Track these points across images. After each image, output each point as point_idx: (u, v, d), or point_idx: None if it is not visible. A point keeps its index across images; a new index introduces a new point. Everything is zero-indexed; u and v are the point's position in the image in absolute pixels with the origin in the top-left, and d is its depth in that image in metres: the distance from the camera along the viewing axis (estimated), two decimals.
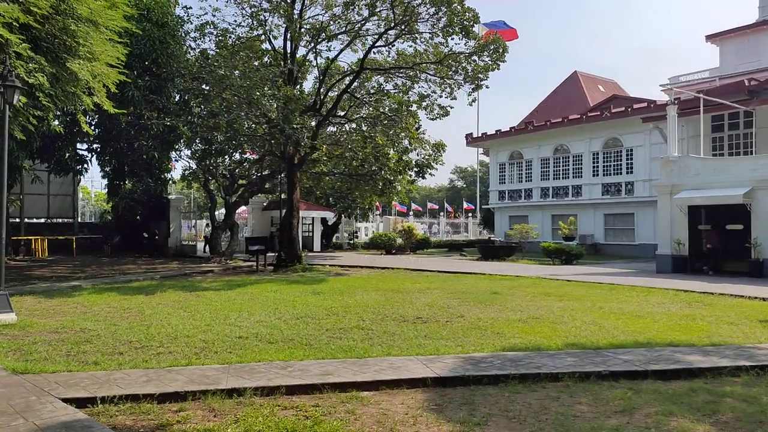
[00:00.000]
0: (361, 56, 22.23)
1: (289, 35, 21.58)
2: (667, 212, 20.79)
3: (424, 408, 5.36)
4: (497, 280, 17.19)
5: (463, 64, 21.03)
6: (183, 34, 23.38)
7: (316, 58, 23.66)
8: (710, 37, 35.02)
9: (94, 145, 24.73)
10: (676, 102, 22.01)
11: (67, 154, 23.49)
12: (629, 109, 30.20)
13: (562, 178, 34.46)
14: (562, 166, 34.55)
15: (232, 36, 22.12)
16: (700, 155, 22.41)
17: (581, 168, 33.37)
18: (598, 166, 32.56)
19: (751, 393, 5.79)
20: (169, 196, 29.72)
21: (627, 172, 31.16)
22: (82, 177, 28.68)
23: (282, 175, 24.96)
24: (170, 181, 28.89)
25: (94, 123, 22.51)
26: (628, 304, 11.99)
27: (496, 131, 37.85)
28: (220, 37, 22.02)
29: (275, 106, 20.49)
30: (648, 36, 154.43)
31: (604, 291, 14.34)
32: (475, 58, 20.87)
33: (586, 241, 31.16)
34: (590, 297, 13.02)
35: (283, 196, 24.06)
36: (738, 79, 27.20)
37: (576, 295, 13.44)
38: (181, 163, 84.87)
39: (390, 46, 22.19)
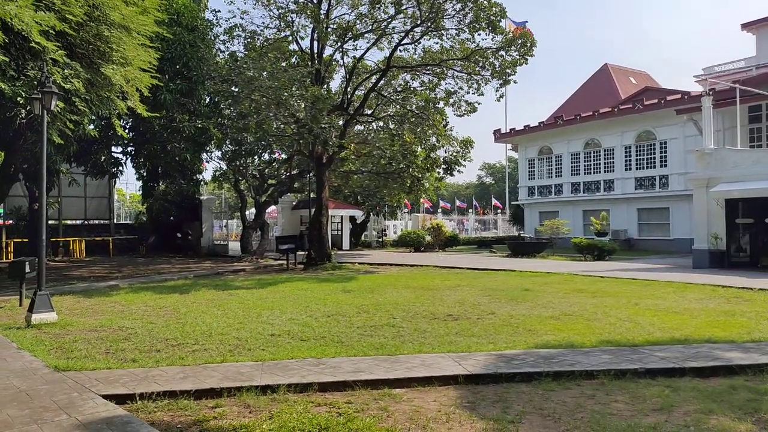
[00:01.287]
0: (388, 54, 22.24)
1: (316, 35, 21.72)
2: (704, 206, 20.24)
3: (456, 405, 5.34)
4: (528, 276, 17.01)
5: (491, 60, 20.85)
6: (212, 38, 23.76)
7: (342, 58, 23.79)
8: (746, 26, 33.90)
9: (129, 148, 25.34)
10: (711, 93, 21.41)
11: (103, 158, 24.11)
12: (662, 101, 29.48)
13: (594, 172, 33.87)
14: (593, 160, 33.95)
15: (260, 38, 22.38)
16: (737, 147, 21.76)
17: (613, 162, 32.74)
18: (630, 160, 31.89)
19: None
20: (201, 197, 30.24)
21: (661, 166, 30.44)
22: (117, 179, 29.52)
23: (311, 174, 25.14)
24: (202, 182, 29.41)
25: (128, 126, 23.08)
26: (664, 300, 11.73)
27: (525, 126, 37.43)
28: (249, 39, 22.30)
29: (303, 106, 20.65)
30: (681, 26, 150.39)
31: (638, 287, 14.05)
32: (502, 53, 20.66)
33: (619, 236, 30.56)
34: (625, 293, 12.78)
35: (312, 195, 24.25)
36: None
37: (610, 291, 13.21)
38: (212, 164, 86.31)
39: (416, 43, 22.13)
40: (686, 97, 28.19)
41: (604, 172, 33.21)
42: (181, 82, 21.93)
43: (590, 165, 34.10)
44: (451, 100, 22.89)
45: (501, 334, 8.31)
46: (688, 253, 21.59)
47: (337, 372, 6.19)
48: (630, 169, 31.86)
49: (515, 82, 21.53)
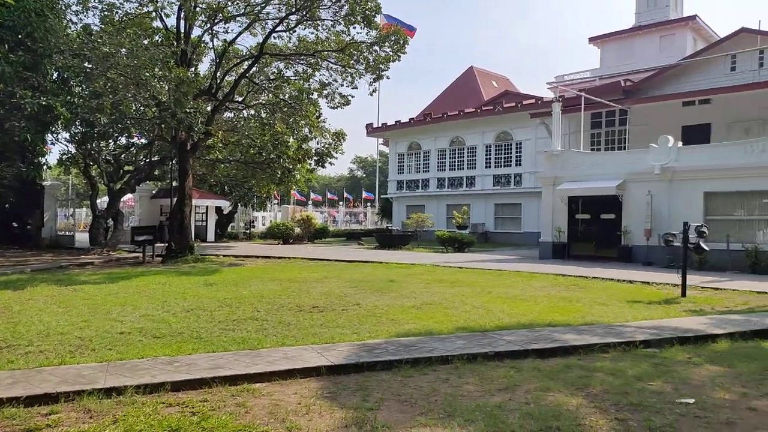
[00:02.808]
0: (261, 40, 21.57)
1: (182, 14, 20.41)
2: (550, 202, 22.25)
3: (317, 396, 5.33)
4: (393, 268, 17.52)
5: (365, 54, 21.06)
6: (63, 7, 21.38)
7: (212, 40, 22.66)
8: (593, 39, 37.69)
9: None
10: (560, 99, 23.53)
11: None
12: (519, 105, 31.91)
13: (458, 169, 35.76)
14: (458, 157, 35.85)
15: (119, 11, 20.53)
16: (580, 150, 24.15)
17: (475, 160, 34.83)
18: (490, 158, 34.13)
19: (618, 367, 6.34)
20: (44, 183, 27.23)
21: (516, 165, 32.95)
22: None
23: (173, 161, 23.68)
24: (45, 166, 26.46)
25: None
26: (513, 288, 12.71)
27: (396, 122, 38.46)
28: (106, 12, 20.35)
29: (166, 88, 19.37)
30: (540, 35, 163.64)
31: (492, 277, 15.09)
32: (376, 48, 20.97)
33: (477, 229, 32.62)
34: (480, 283, 13.65)
35: (174, 183, 22.86)
36: (615, 80, 29.60)
37: (467, 281, 14.03)
38: (58, 147, 77.97)
39: (291, 31, 21.73)
40: (540, 102, 30.75)
41: (467, 168, 35.21)
42: (24, 54, 19.52)
43: (455, 162, 35.96)
44: (325, 92, 22.81)
45: (365, 324, 8.46)
46: (536, 245, 23.63)
47: (192, 369, 5.89)
48: (489, 166, 34.10)
49: (388, 77, 22.00)
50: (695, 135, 24.57)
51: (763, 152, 17.78)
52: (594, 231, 21.52)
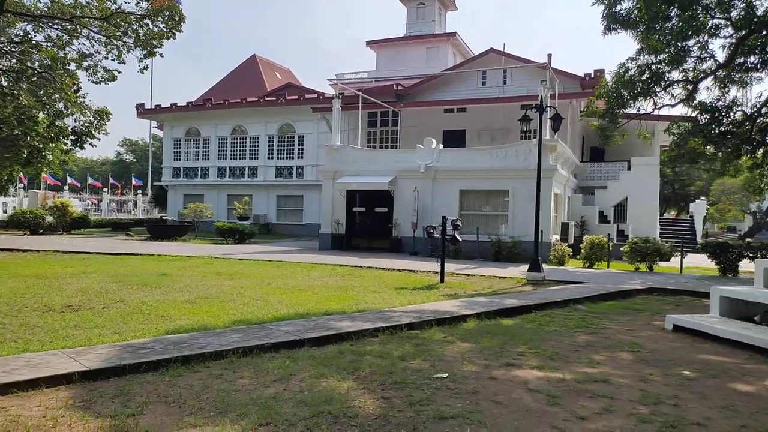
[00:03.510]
0: None
1: None
2: (330, 195, 23.05)
3: (67, 407, 4.69)
4: (166, 261, 16.38)
5: (134, 26, 19.19)
6: None
7: None
8: (369, 43, 39.89)
9: None
10: (340, 96, 24.45)
11: None
12: (302, 98, 32.35)
13: (239, 158, 34.88)
14: (240, 146, 34.95)
15: None
16: (358, 146, 25.46)
17: (258, 150, 34.34)
18: (273, 150, 33.99)
19: (386, 349, 6.83)
20: None
21: (298, 157, 33.38)
22: None
23: None
24: None
25: None
26: (292, 279, 12.86)
27: (172, 105, 35.96)
28: None
29: None
30: (322, 32, 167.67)
31: (272, 268, 15.07)
32: (147, 21, 19.25)
33: (259, 220, 32.29)
34: (259, 274, 13.51)
35: None
36: (389, 83, 31.79)
37: (246, 273, 13.77)
38: None
39: None
40: (321, 97, 31.56)
41: (249, 159, 34.55)
42: None
43: (236, 151, 34.99)
44: (86, 64, 20.27)
45: (129, 323, 7.72)
46: (317, 237, 24.30)
47: None
48: (272, 158, 33.96)
49: (161, 55, 20.35)
50: (454, 139, 27.75)
51: (505, 157, 20.83)
52: (370, 223, 22.91)
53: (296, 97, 33.03)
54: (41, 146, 22.08)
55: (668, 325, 8.73)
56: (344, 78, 37.79)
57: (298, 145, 33.45)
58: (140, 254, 18.03)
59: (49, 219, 28.43)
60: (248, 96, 35.50)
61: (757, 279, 9.02)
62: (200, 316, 8.31)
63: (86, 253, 18.16)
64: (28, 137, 20.87)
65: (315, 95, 32.80)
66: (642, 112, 18.19)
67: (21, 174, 30.11)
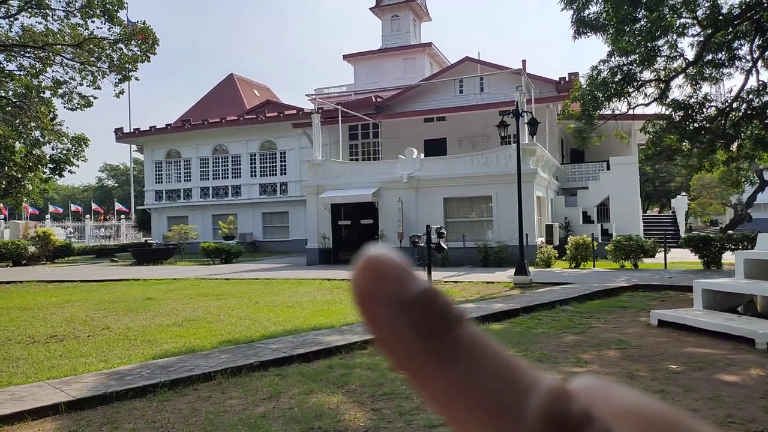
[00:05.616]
0: None
1: None
2: (314, 210, 23.04)
3: None
4: (152, 285, 16.23)
5: (107, 51, 19.15)
6: None
7: None
8: (347, 57, 40.10)
9: None
10: (319, 111, 24.53)
11: None
12: (281, 115, 32.37)
13: (222, 178, 34.75)
14: (222, 166, 34.83)
15: None
16: (340, 159, 25.51)
17: (240, 168, 34.24)
18: (255, 167, 33.91)
19: (375, 361, 6.82)
20: None
21: (281, 173, 33.33)
22: None
23: None
24: None
25: None
26: (280, 296, 12.81)
27: (151, 128, 35.78)
28: None
29: None
30: (299, 48, 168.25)
31: (260, 286, 14.99)
32: (121, 46, 19.23)
33: (245, 239, 32.11)
34: (247, 293, 13.44)
35: None
36: (368, 96, 31.96)
37: (233, 292, 13.69)
38: None
39: (12, 18, 18.67)
40: (301, 113, 31.62)
41: (232, 177, 34.43)
42: None
43: (219, 170, 34.86)
44: (61, 91, 20.18)
45: (115, 349, 7.64)
46: (304, 252, 24.22)
47: None
48: (255, 175, 33.86)
49: (137, 78, 20.38)
50: (435, 148, 27.94)
51: (486, 164, 21.00)
52: (356, 236, 22.89)
53: (276, 113, 33.03)
54: (20, 176, 21.82)
55: (653, 321, 8.84)
56: (323, 92, 37.89)
57: (281, 161, 33.42)
58: (125, 279, 17.85)
59: (32, 249, 28.06)
60: (227, 115, 35.45)
61: (738, 270, 9.18)
62: (187, 338, 8.25)
63: (70, 281, 17.94)
64: (5, 167, 20.63)
65: (294, 111, 32.86)
66: (617, 112, 18.47)
67: (1, 205, 29.68)
